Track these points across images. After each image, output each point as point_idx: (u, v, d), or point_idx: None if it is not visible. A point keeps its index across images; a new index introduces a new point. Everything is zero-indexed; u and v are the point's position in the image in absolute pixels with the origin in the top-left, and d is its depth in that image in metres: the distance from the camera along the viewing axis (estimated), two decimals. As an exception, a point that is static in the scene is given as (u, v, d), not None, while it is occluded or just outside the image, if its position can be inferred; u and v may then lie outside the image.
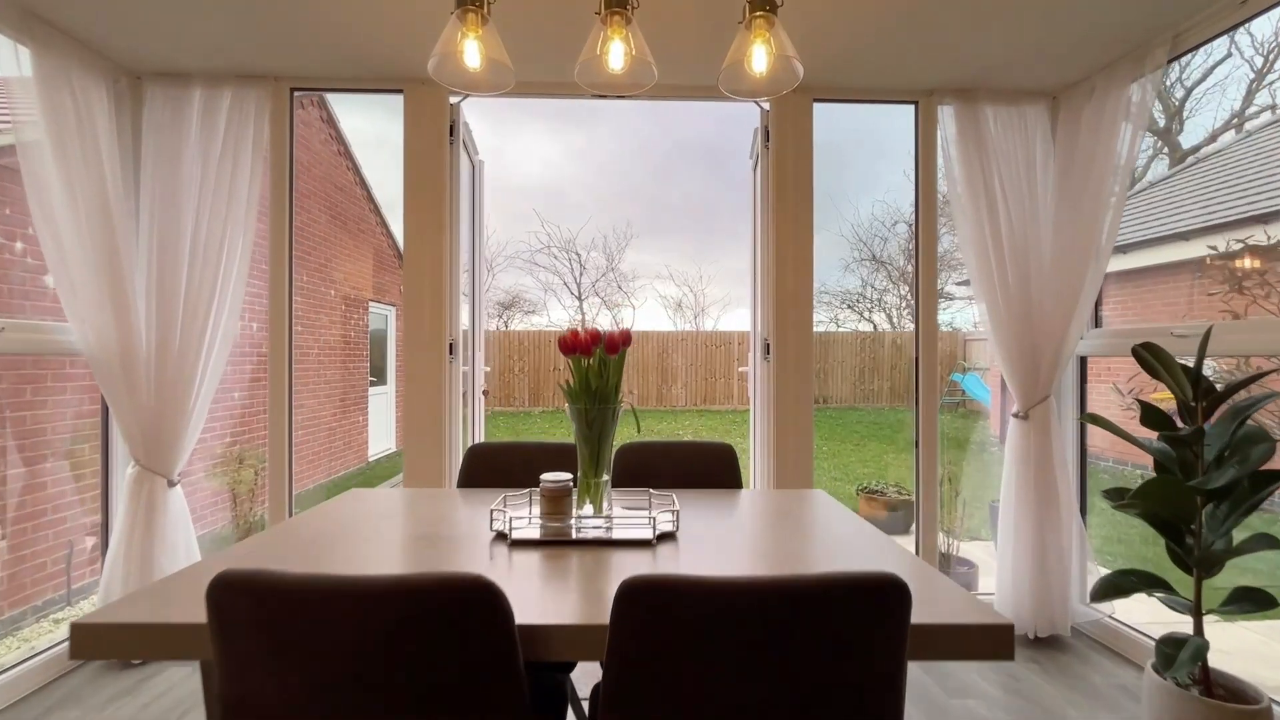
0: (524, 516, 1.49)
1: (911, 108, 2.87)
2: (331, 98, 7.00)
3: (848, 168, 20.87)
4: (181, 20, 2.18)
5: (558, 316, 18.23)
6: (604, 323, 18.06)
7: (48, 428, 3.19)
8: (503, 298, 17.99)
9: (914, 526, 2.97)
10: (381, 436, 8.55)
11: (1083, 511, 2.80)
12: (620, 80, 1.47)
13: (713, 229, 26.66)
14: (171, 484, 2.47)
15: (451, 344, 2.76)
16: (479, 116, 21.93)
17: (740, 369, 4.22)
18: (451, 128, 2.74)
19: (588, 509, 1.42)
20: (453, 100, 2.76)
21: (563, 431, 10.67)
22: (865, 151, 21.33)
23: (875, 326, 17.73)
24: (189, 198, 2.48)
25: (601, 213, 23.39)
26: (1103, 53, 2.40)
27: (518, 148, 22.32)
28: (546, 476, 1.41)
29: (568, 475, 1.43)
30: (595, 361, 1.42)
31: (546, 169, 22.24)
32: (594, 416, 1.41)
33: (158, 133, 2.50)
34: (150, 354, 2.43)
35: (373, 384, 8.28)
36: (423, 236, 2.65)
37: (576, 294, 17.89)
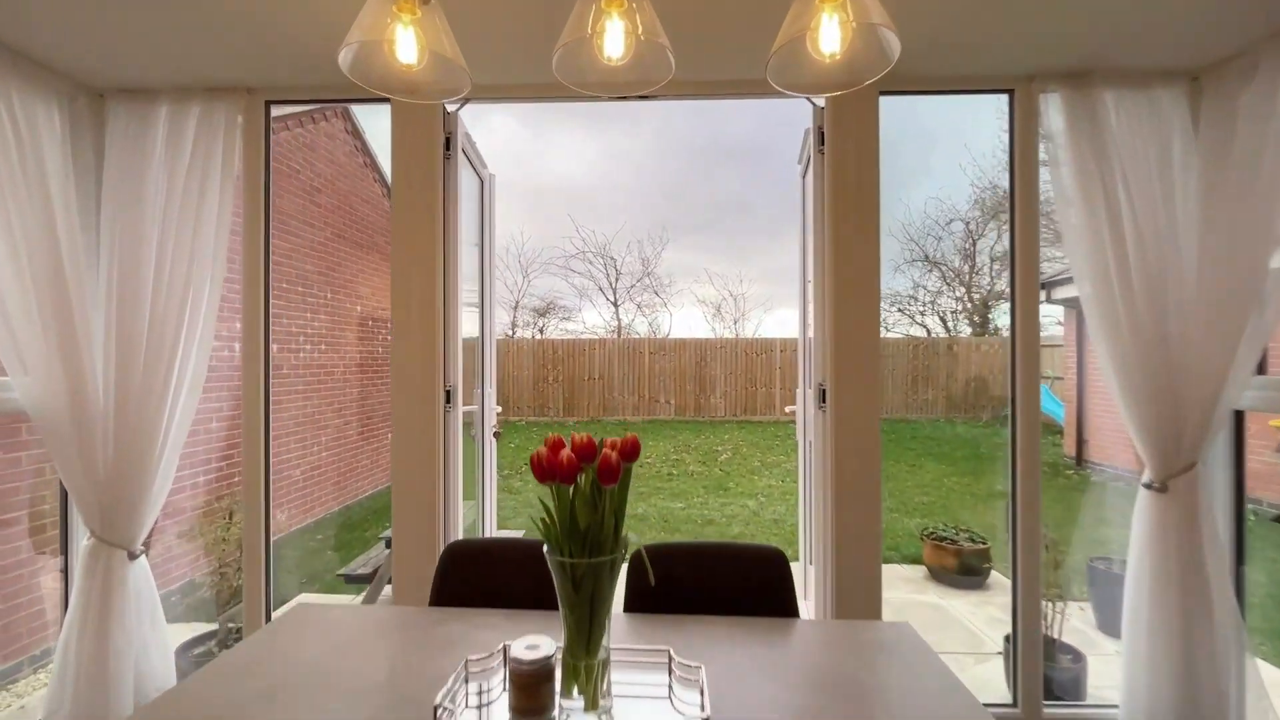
0: (490, 692, 1.06)
1: (1002, 98, 2.32)
2: (357, 109, 6.82)
3: (896, 158, 19.79)
4: (141, 28, 1.86)
5: (594, 321, 17.95)
6: (641, 329, 17.64)
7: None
8: (538, 304, 17.83)
9: (1013, 605, 2.42)
10: (412, 452, 8.39)
11: (1239, 594, 2.19)
12: (620, 72, 1.03)
13: (754, 227, 25.90)
14: (134, 555, 2.16)
15: (450, 390, 2.38)
16: (513, 119, 21.90)
17: (788, 409, 3.71)
18: (448, 140, 2.36)
19: (576, 699, 0.98)
20: (449, 108, 2.38)
21: (597, 445, 10.31)
22: (915, 143, 20.17)
23: (929, 331, 16.70)
24: (152, 225, 2.17)
25: (641, 213, 22.96)
26: (1269, 16, 1.81)
27: (557, 150, 22.16)
28: (518, 649, 0.97)
29: (550, 647, 0.99)
30: (586, 486, 0.99)
31: (586, 170, 21.98)
32: (583, 573, 0.97)
33: (119, 156, 2.20)
34: (108, 408, 2.13)
35: (402, 399, 8.11)
36: (413, 268, 2.28)
37: (612, 299, 17.54)
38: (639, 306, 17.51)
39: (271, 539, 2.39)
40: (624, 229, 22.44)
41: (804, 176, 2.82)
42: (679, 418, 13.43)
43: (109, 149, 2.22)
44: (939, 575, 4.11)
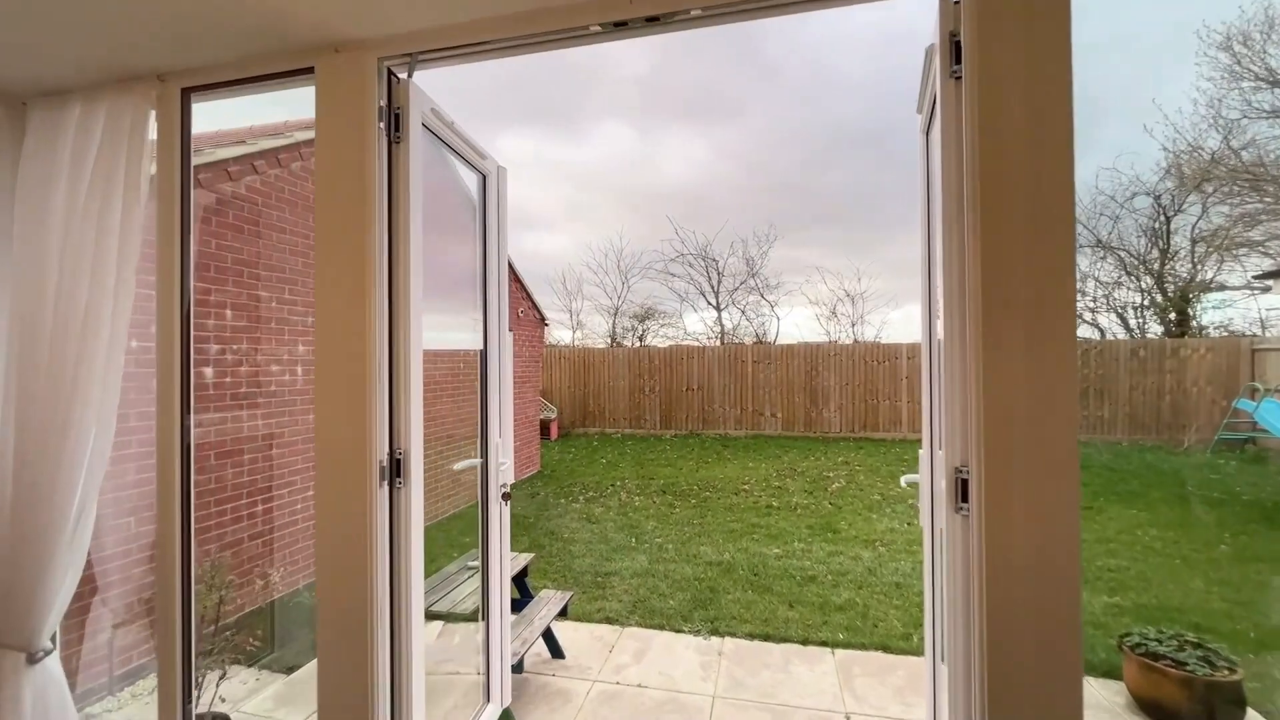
0: None
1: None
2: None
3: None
4: (48, 21, 1.44)
5: (695, 328, 17.13)
6: (746, 335, 16.51)
7: None
8: (636, 310, 17.36)
9: None
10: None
11: None
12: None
13: (872, 219, 23.54)
14: (34, 659, 1.76)
15: (395, 461, 1.73)
16: (621, 122, 21.71)
17: (905, 477, 2.61)
18: (396, 118, 1.72)
19: None
20: (399, 75, 1.74)
21: (691, 462, 9.49)
22: (1081, 103, 16.93)
23: (1102, 333, 13.75)
24: (54, 241, 1.76)
25: (751, 211, 21.75)
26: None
27: (665, 151, 21.64)
28: None
29: None
30: None
31: (696, 171, 21.21)
32: None
33: (31, 166, 1.84)
34: (3, 468, 1.75)
35: (487, 415, 7.91)
36: (335, 295, 1.66)
37: (714, 302, 16.60)
38: (743, 311, 16.38)
39: (192, 607, 1.88)
40: (727, 228, 21.39)
41: (926, 130, 1.83)
42: (786, 433, 12.19)
43: (23, 159, 1.85)
44: (1154, 710, 2.80)
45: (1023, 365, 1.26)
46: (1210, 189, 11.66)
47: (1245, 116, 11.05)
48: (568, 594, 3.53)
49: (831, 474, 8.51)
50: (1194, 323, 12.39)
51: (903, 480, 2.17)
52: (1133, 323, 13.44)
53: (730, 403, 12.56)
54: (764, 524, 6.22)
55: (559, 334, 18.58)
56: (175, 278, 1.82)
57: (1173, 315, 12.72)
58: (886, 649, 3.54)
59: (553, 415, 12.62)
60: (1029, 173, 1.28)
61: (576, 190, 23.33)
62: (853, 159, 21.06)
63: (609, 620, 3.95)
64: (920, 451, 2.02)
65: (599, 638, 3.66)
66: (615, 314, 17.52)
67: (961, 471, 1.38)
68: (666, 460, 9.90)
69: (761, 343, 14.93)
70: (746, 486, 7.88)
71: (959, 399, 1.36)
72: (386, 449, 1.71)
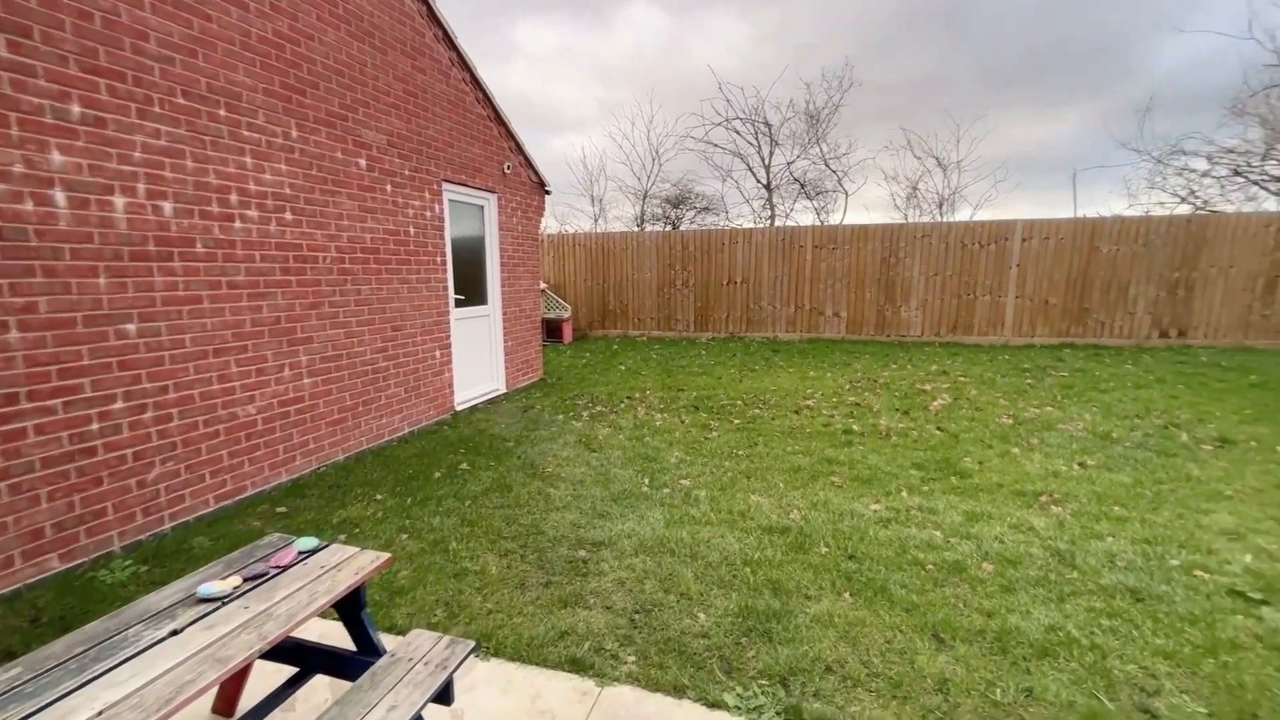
0: None
1: None
2: None
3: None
4: None
5: (740, 216, 14.38)
6: (804, 219, 13.71)
7: None
8: (669, 192, 14.62)
9: None
10: (478, 376, 6.23)
11: None
12: None
13: (945, 113, 19.54)
14: None
15: None
16: (653, 4, 17.93)
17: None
18: None
19: None
20: None
21: (733, 370, 7.38)
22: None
23: (1289, 205, 10.46)
24: None
25: (798, 93, 18.11)
26: None
27: (702, 35, 17.88)
28: None
29: None
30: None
31: (739, 61, 17.51)
32: None
33: None
34: None
35: (460, 303, 5.84)
36: None
37: (764, 180, 13.67)
38: (802, 186, 13.43)
39: None
40: (782, 80, 17.91)
41: None
42: (852, 335, 9.84)
43: None
44: None
45: None
46: None
47: None
48: (466, 647, 1.53)
49: (928, 387, 6.25)
50: None
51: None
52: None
53: (782, 299, 10.18)
54: (846, 458, 4.12)
55: (580, 224, 16.16)
56: None
57: None
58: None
59: (566, 314, 10.58)
60: None
61: (606, 89, 19.96)
62: (921, 45, 16.82)
63: (577, 665, 2.00)
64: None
65: (547, 720, 1.73)
66: (644, 198, 14.87)
67: None
68: (701, 367, 7.80)
69: (824, 224, 12.18)
70: (810, 403, 5.74)
71: None
72: None
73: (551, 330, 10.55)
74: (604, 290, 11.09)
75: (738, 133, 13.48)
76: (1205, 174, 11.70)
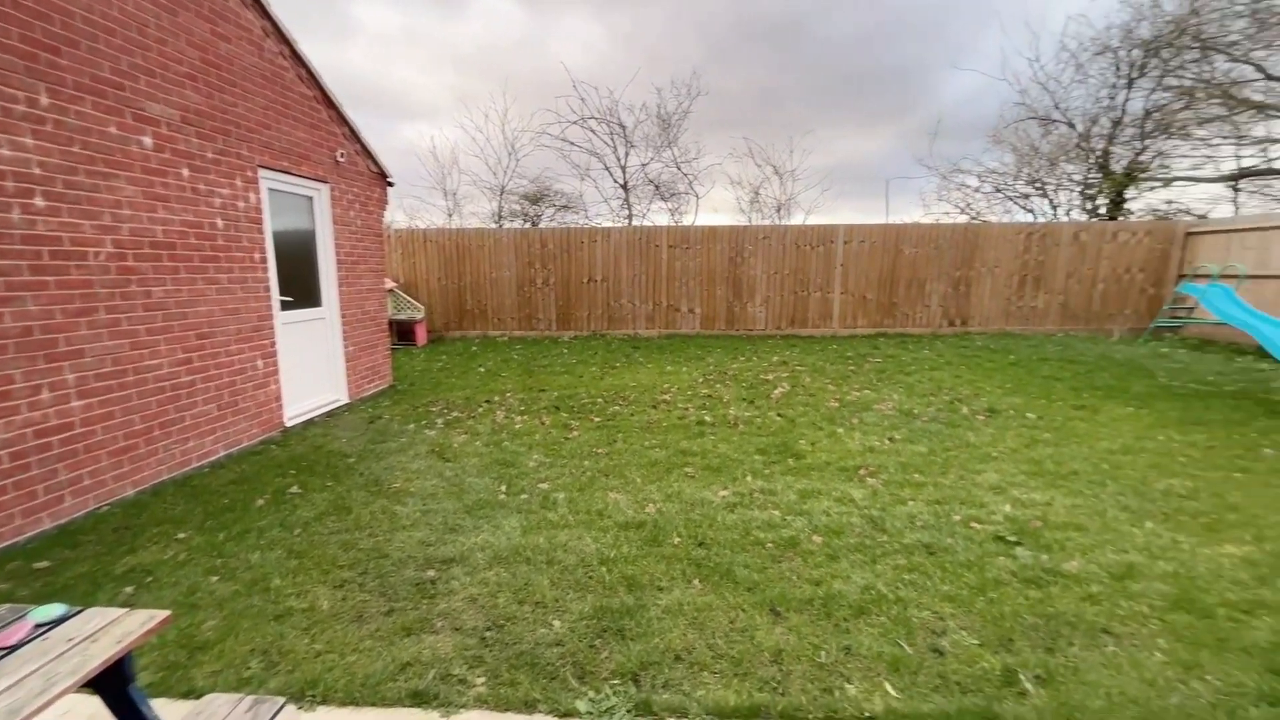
0: None
1: None
2: None
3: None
4: None
5: (599, 214, 14.52)
6: (660, 219, 14.21)
7: None
8: (528, 188, 14.35)
9: None
10: (314, 386, 5.59)
11: None
12: None
13: (785, 124, 21.51)
14: None
15: None
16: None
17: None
18: None
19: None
20: None
21: (594, 368, 7.44)
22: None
23: (1035, 215, 12.94)
24: None
25: (649, 97, 18.74)
26: None
27: (557, 32, 17.72)
28: None
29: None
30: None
31: (589, 56, 17.59)
32: None
33: None
34: None
35: (288, 306, 5.18)
36: None
37: (621, 180, 13.95)
38: (656, 186, 13.92)
39: None
40: (635, 82, 18.39)
41: None
42: (706, 331, 10.43)
43: None
44: None
45: None
46: (1170, 56, 10.52)
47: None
48: (274, 706, 1.35)
49: (770, 377, 6.82)
50: (1131, 205, 11.83)
51: None
52: (1066, 205, 12.78)
53: (641, 297, 10.47)
54: (699, 449, 4.34)
55: (434, 219, 15.23)
56: None
57: (1103, 199, 12.04)
58: (993, 724, 1.79)
59: (419, 315, 9.91)
60: None
61: (460, 77, 18.95)
62: (761, 57, 18.37)
63: (420, 698, 1.88)
64: None
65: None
66: (502, 194, 14.40)
67: None
68: (563, 366, 7.76)
69: (679, 225, 12.71)
70: (667, 397, 5.97)
71: None
72: None
73: (403, 333, 9.83)
74: (461, 289, 10.56)
75: (593, 132, 13.58)
76: (976, 190, 14.13)
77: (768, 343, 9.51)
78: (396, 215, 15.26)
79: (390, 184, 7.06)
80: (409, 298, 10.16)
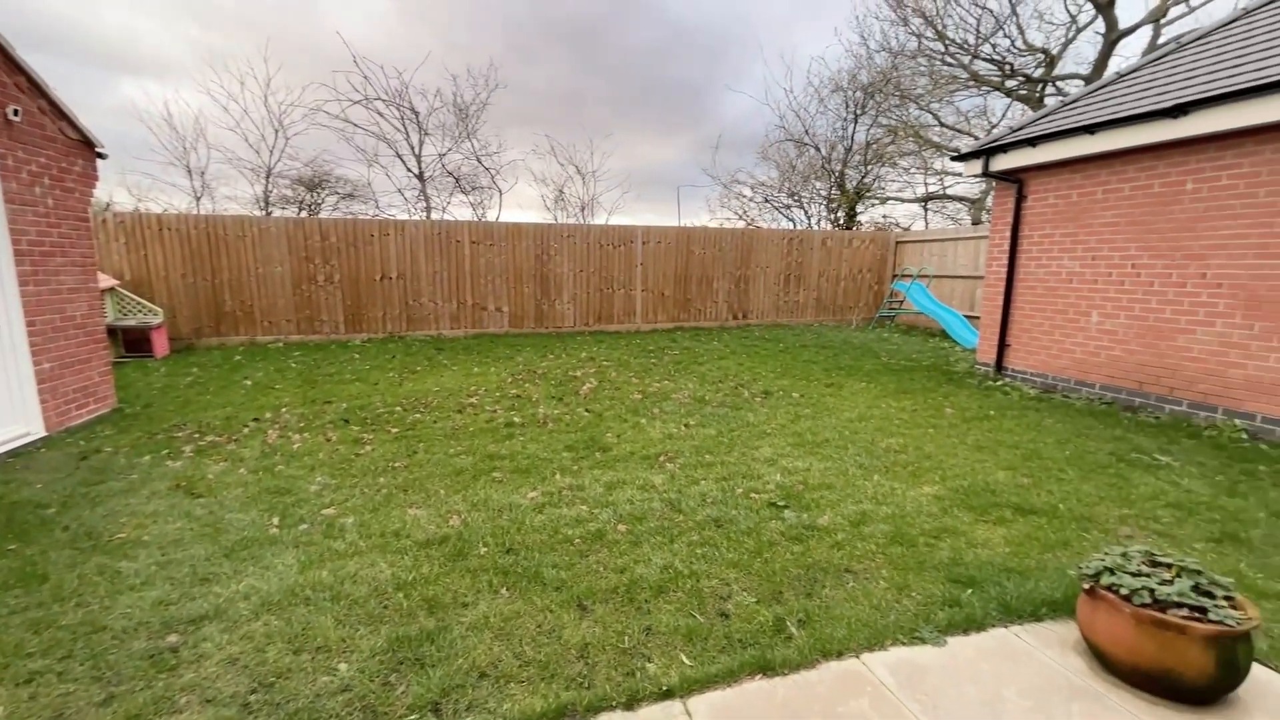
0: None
1: None
2: None
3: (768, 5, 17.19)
4: None
5: (391, 200, 13.30)
6: (462, 214, 13.51)
7: None
8: (302, 172, 12.55)
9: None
10: (-17, 418, 4.19)
11: None
12: None
13: (586, 124, 22.10)
14: None
15: None
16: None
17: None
18: None
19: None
20: None
21: (392, 373, 6.82)
22: None
23: (794, 224, 15.17)
24: None
25: (444, 83, 17.79)
26: None
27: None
28: None
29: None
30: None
31: (374, 29, 15.87)
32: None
33: None
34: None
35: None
36: None
37: (416, 170, 12.95)
38: (457, 180, 13.21)
39: None
40: (426, 66, 17.34)
41: None
42: (515, 329, 10.24)
43: None
44: (1158, 683, 1.87)
45: None
46: (882, 100, 13.17)
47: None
48: None
49: (579, 373, 6.95)
50: (862, 217, 14.53)
51: None
52: (818, 216, 15.21)
53: (444, 295, 9.87)
54: (507, 452, 4.25)
55: (175, 202, 12.49)
56: None
57: (841, 213, 14.66)
58: (767, 669, 2.05)
59: (155, 320, 8.05)
60: None
61: (204, 31, 15.57)
62: (562, 58, 18.67)
63: (155, 796, 1.53)
64: None
65: None
66: (268, 176, 12.34)
67: None
68: (354, 373, 6.97)
69: (482, 220, 12.22)
70: (474, 399, 5.73)
71: None
72: None
73: (133, 342, 7.89)
74: (217, 288, 8.84)
75: (381, 115, 12.37)
76: (750, 199, 16.12)
77: (577, 339, 9.69)
78: (118, 195, 12.20)
79: (101, 155, 5.60)
80: (139, 299, 8.19)
